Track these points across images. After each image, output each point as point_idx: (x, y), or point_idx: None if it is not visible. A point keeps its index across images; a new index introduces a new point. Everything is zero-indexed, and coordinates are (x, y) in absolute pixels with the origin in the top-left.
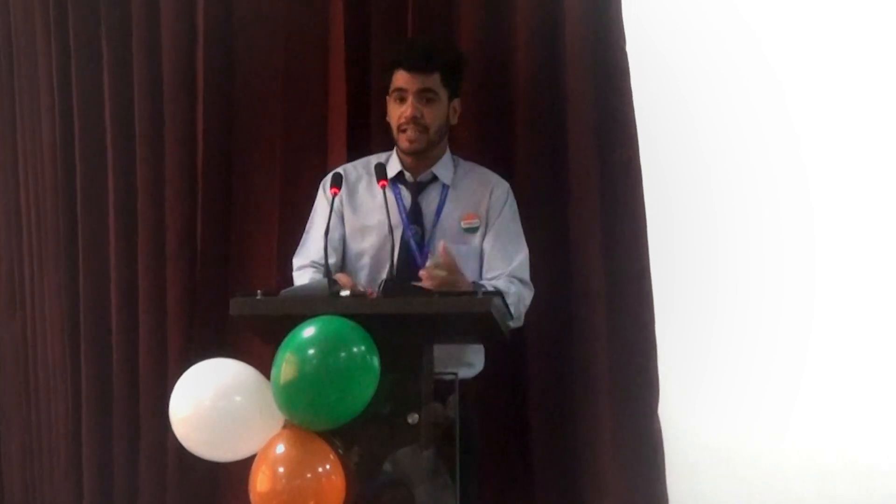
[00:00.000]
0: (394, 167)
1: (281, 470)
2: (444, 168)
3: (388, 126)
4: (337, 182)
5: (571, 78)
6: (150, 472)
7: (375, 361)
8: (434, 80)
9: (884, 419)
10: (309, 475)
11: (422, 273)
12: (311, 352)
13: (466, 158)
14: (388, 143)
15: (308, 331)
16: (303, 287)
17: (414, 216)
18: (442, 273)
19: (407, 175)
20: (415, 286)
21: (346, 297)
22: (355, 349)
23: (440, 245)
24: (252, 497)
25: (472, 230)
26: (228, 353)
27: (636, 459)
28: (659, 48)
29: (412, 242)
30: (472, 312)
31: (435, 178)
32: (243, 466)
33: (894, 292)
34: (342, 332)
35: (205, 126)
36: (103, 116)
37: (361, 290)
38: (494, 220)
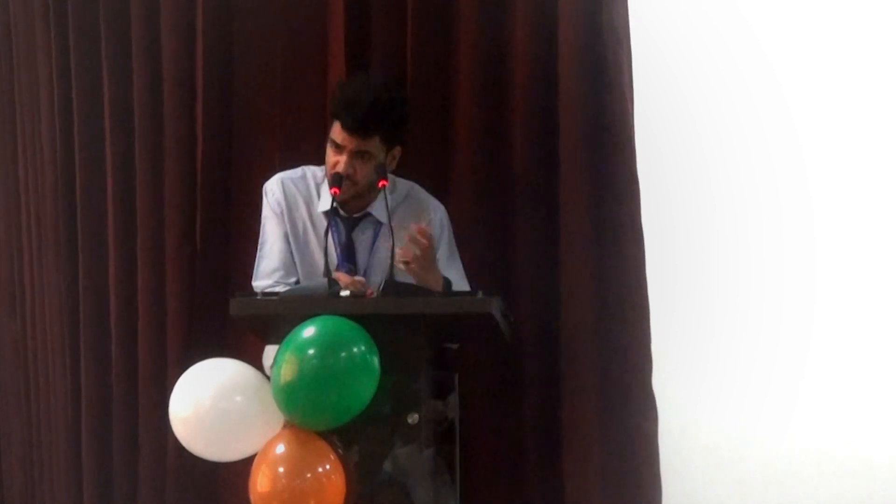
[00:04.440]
0: (328, 199)
1: (281, 470)
2: (379, 207)
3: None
4: (337, 182)
5: (568, 79)
6: (150, 472)
7: (375, 361)
8: (372, 143)
9: (884, 418)
10: (309, 475)
11: (398, 251)
12: (311, 352)
13: (466, 162)
14: None
15: (308, 331)
16: (303, 287)
17: (348, 253)
18: (417, 251)
19: (341, 211)
20: (415, 286)
21: (346, 297)
22: (355, 349)
23: (415, 228)
24: (252, 497)
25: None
26: (228, 353)
27: (626, 460)
28: (657, 51)
29: None
30: (472, 313)
31: (369, 214)
32: (243, 466)
33: (894, 292)
34: (342, 332)
35: (204, 125)
36: (103, 116)
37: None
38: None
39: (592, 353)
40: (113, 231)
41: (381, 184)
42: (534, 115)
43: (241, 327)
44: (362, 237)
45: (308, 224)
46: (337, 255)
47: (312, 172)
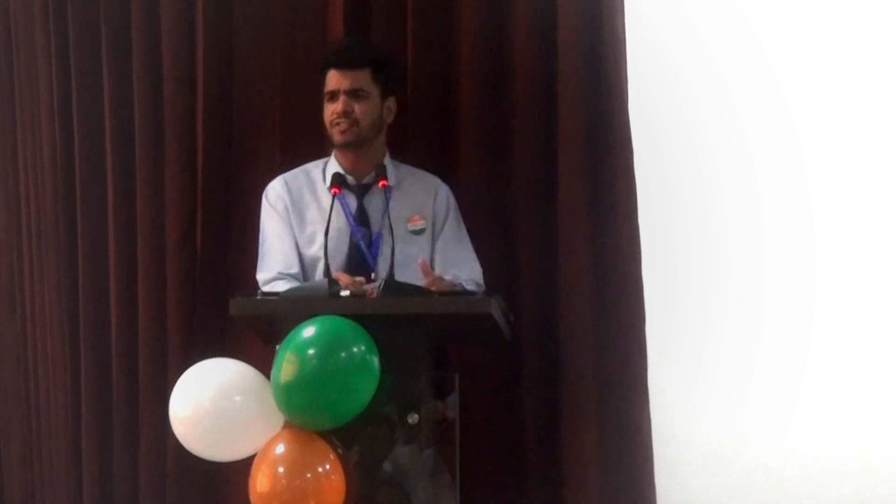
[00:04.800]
0: (334, 171)
1: (281, 470)
2: (387, 172)
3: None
4: (339, 181)
5: (567, 79)
6: (150, 472)
7: (375, 361)
8: (364, 77)
9: (883, 419)
10: (309, 475)
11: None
12: (311, 352)
13: (457, 157)
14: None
15: (308, 331)
16: (303, 287)
17: (361, 219)
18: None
19: (349, 178)
20: (414, 286)
21: (346, 297)
22: (355, 349)
23: (419, 261)
24: (252, 497)
25: (419, 232)
26: (228, 353)
27: (623, 460)
28: (655, 50)
29: (362, 245)
30: (472, 313)
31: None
32: (243, 466)
33: (894, 292)
34: (342, 332)
35: (204, 126)
36: (103, 116)
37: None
38: (442, 225)
39: (590, 352)
40: (113, 231)
41: (381, 184)
42: (533, 115)
43: (241, 327)
44: (373, 201)
45: (316, 213)
46: (350, 225)
47: (314, 164)
